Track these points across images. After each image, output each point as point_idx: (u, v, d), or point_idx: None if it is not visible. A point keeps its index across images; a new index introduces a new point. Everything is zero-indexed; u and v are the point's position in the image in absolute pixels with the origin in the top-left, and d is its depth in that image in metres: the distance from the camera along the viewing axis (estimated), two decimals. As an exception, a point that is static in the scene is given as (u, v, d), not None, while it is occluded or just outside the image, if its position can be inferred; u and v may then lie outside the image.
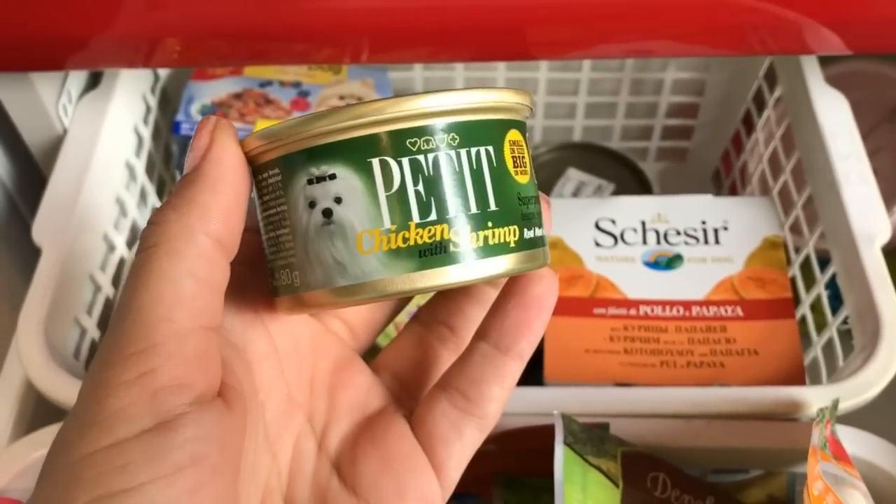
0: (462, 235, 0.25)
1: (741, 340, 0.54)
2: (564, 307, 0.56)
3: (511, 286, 0.28)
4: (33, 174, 0.63)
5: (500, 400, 0.28)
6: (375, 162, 0.24)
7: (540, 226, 0.27)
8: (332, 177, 0.24)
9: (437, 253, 0.24)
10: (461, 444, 0.28)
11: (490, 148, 0.25)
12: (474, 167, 0.25)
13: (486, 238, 0.25)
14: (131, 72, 0.62)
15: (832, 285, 0.54)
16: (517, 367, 0.28)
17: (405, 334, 0.31)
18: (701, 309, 0.56)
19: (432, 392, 0.28)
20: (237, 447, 0.24)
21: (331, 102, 0.66)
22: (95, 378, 0.23)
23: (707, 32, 0.50)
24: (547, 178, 0.74)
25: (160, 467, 0.22)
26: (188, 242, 0.24)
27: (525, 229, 0.26)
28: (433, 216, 0.24)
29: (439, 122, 0.24)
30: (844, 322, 0.52)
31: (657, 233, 0.60)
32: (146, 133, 0.64)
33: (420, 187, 0.24)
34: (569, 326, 0.55)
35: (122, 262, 0.60)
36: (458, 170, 0.25)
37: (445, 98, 0.24)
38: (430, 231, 0.24)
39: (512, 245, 0.25)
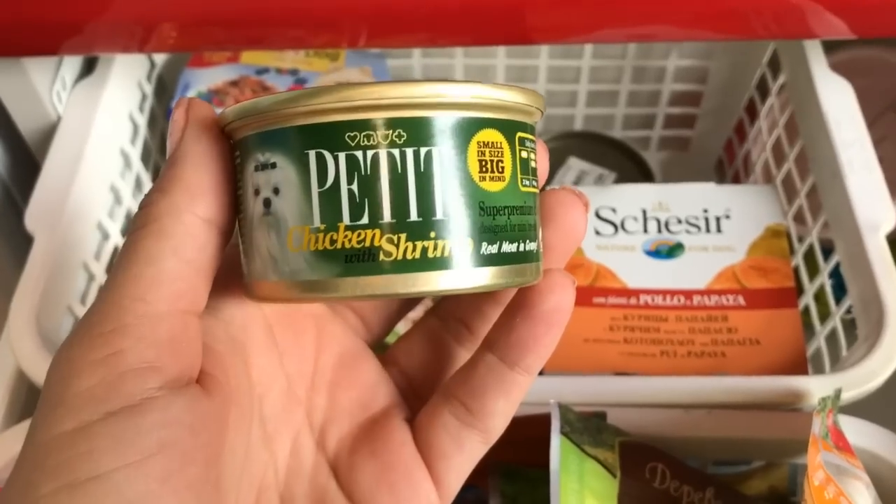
0: (395, 244, 0.22)
1: (743, 330, 0.53)
2: (564, 296, 0.56)
3: (520, 297, 0.25)
4: (27, 161, 0.62)
5: (504, 414, 0.27)
6: (312, 154, 0.22)
7: (526, 239, 0.24)
8: (273, 165, 0.23)
9: (364, 260, 0.22)
10: (461, 457, 0.27)
11: (445, 148, 0.22)
12: (421, 169, 0.22)
13: (424, 249, 0.22)
14: (127, 58, 0.62)
15: (836, 274, 0.53)
16: (525, 381, 0.26)
17: (420, 328, 0.30)
18: (702, 298, 0.55)
19: (434, 401, 0.27)
20: (214, 436, 0.23)
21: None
22: (63, 355, 0.22)
23: (710, 16, 0.50)
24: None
25: (127, 453, 0.21)
26: (174, 220, 0.23)
27: (486, 243, 0.23)
28: (364, 220, 0.22)
29: (383, 116, 0.22)
30: (848, 311, 0.52)
31: (658, 221, 0.59)
32: (142, 120, 0.64)
33: (354, 186, 0.22)
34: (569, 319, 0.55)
35: (116, 250, 0.59)
36: (399, 171, 0.22)
37: (393, 89, 0.22)
38: (359, 235, 0.22)
39: (460, 260, 0.23)
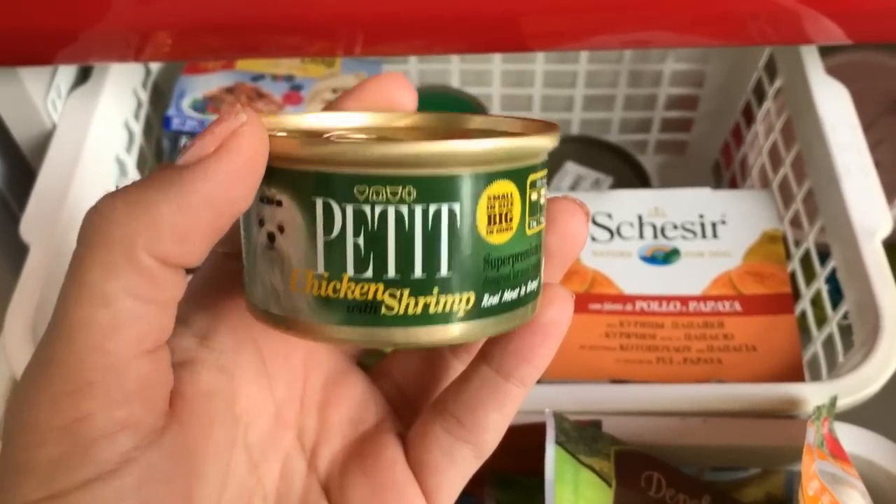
0: (398, 299, 0.22)
1: (739, 336, 0.53)
2: (560, 303, 0.56)
3: None
4: (22, 170, 0.62)
5: (497, 429, 0.26)
6: (319, 202, 0.22)
7: (528, 280, 0.24)
8: (279, 203, 0.22)
9: (366, 312, 0.22)
10: (454, 472, 0.26)
11: (455, 206, 0.22)
12: (429, 228, 0.22)
13: (426, 305, 0.22)
14: (122, 66, 0.62)
15: (832, 280, 0.53)
16: (519, 394, 0.26)
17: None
18: (698, 304, 0.55)
19: (426, 415, 0.27)
20: (190, 469, 0.23)
21: (324, 97, 0.66)
22: (25, 416, 0.20)
23: (706, 22, 0.50)
24: (544, 172, 0.73)
25: None
26: (125, 258, 0.20)
27: (488, 295, 0.23)
28: (369, 273, 0.22)
29: (394, 174, 0.21)
30: (845, 317, 0.51)
31: (654, 227, 0.59)
32: (137, 128, 0.64)
33: (360, 240, 0.22)
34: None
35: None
36: (407, 229, 0.22)
37: (407, 149, 0.21)
38: (362, 288, 0.22)
39: (460, 314, 0.23)
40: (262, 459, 0.26)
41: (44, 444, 0.20)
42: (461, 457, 0.26)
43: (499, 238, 0.23)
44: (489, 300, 0.23)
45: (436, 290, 0.22)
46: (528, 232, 0.24)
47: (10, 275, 0.59)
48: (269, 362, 0.27)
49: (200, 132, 0.21)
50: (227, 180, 0.21)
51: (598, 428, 0.42)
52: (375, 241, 0.22)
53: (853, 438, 0.44)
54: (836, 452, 0.39)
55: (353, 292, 0.22)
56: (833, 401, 0.42)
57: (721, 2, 0.48)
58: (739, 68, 0.74)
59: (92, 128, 0.57)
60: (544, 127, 0.24)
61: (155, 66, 0.69)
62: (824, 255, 0.55)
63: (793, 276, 0.58)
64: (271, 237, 0.23)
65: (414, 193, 0.22)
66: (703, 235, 0.58)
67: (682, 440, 0.43)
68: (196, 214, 0.20)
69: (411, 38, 0.51)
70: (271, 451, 0.27)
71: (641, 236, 0.59)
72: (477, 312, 0.23)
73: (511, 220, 0.23)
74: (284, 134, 0.23)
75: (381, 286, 0.22)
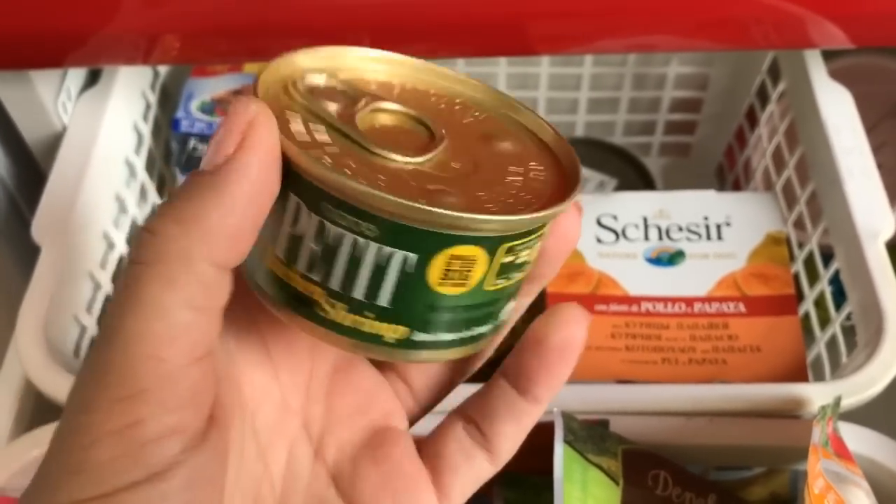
0: (334, 308, 0.23)
1: (743, 337, 0.53)
2: (566, 304, 0.56)
3: (533, 329, 0.26)
4: (32, 172, 0.63)
5: (514, 439, 0.27)
6: (293, 200, 0.23)
7: (475, 326, 0.24)
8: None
9: (307, 306, 0.23)
10: (470, 474, 0.27)
11: (412, 256, 0.22)
12: (379, 265, 0.23)
13: (358, 323, 0.23)
14: (131, 69, 0.62)
15: (836, 281, 0.54)
16: (536, 410, 0.26)
17: None
18: (703, 305, 0.55)
19: (449, 417, 0.28)
20: (224, 472, 0.23)
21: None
22: (78, 419, 0.21)
23: (709, 27, 0.50)
24: (549, 174, 0.74)
25: None
26: (185, 270, 0.21)
27: (422, 333, 0.24)
28: (315, 277, 0.23)
29: (360, 207, 0.22)
30: (848, 318, 0.52)
31: (659, 229, 0.59)
32: (146, 130, 0.64)
33: (316, 246, 0.23)
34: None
35: (121, 259, 0.59)
36: (358, 258, 0.23)
37: (378, 194, 0.21)
38: (307, 285, 0.23)
39: (390, 342, 0.24)
40: (269, 446, 0.27)
41: (96, 446, 0.20)
42: (479, 461, 0.27)
43: (449, 290, 0.23)
44: (422, 336, 0.24)
45: (371, 314, 0.23)
46: (488, 287, 0.24)
47: (21, 276, 0.59)
48: (272, 350, 0.27)
49: (216, 131, 0.22)
50: (259, 173, 0.22)
51: (605, 427, 0.42)
52: (329, 253, 0.23)
53: (857, 438, 0.44)
54: (841, 452, 0.40)
55: (298, 285, 0.23)
56: (837, 401, 0.42)
57: (725, 6, 0.48)
58: (743, 72, 0.74)
59: (102, 130, 0.57)
60: (546, 201, 0.24)
61: (163, 69, 0.70)
62: (827, 257, 0.55)
63: (796, 277, 0.59)
64: None
65: (374, 232, 0.22)
66: (708, 237, 0.59)
67: (688, 440, 0.44)
68: (242, 213, 0.21)
69: (416, 42, 0.51)
70: (277, 437, 0.27)
71: (647, 238, 0.59)
72: (407, 344, 0.24)
73: (468, 278, 0.23)
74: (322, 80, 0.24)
75: (322, 292, 0.23)
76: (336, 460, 0.27)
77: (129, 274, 0.21)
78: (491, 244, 0.23)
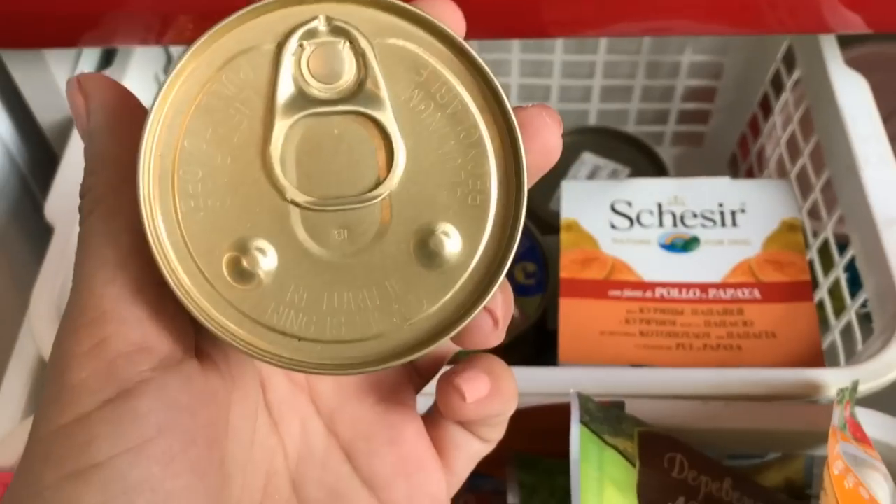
0: None
1: (759, 323, 0.53)
2: (579, 289, 0.56)
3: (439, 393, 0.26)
4: (46, 153, 0.63)
5: (502, 423, 0.28)
6: None
7: None
8: None
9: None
10: (471, 450, 0.28)
11: None
12: None
13: None
14: (144, 51, 0.62)
15: (851, 268, 0.53)
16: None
17: None
18: (718, 291, 0.55)
19: None
20: (215, 417, 0.23)
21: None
22: (56, 351, 0.22)
23: (725, 10, 0.50)
24: (561, 162, 0.72)
25: (126, 439, 0.21)
26: (116, 197, 0.23)
27: None
28: None
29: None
30: (863, 306, 0.52)
31: (674, 215, 0.59)
32: (159, 113, 0.64)
33: None
34: (584, 308, 0.55)
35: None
36: None
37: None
38: None
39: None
40: (281, 419, 0.27)
41: (69, 370, 0.21)
42: (475, 440, 0.28)
43: None
44: None
45: None
46: None
47: (34, 256, 0.59)
48: None
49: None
50: (106, 104, 0.24)
51: (621, 409, 0.42)
52: None
53: (873, 423, 0.44)
54: (859, 435, 0.39)
55: None
56: (855, 385, 0.42)
57: (741, -10, 0.48)
58: (757, 60, 0.74)
59: (115, 112, 0.57)
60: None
61: (176, 52, 0.70)
62: (842, 246, 0.55)
63: (811, 265, 0.58)
64: None
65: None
66: (723, 224, 0.58)
67: (704, 423, 0.44)
68: (126, 135, 0.23)
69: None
70: (289, 412, 0.27)
71: (661, 224, 0.59)
72: None
73: None
74: None
75: None
76: (350, 438, 0.27)
77: (80, 231, 0.23)
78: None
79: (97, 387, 0.21)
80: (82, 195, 0.23)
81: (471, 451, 0.28)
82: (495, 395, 0.26)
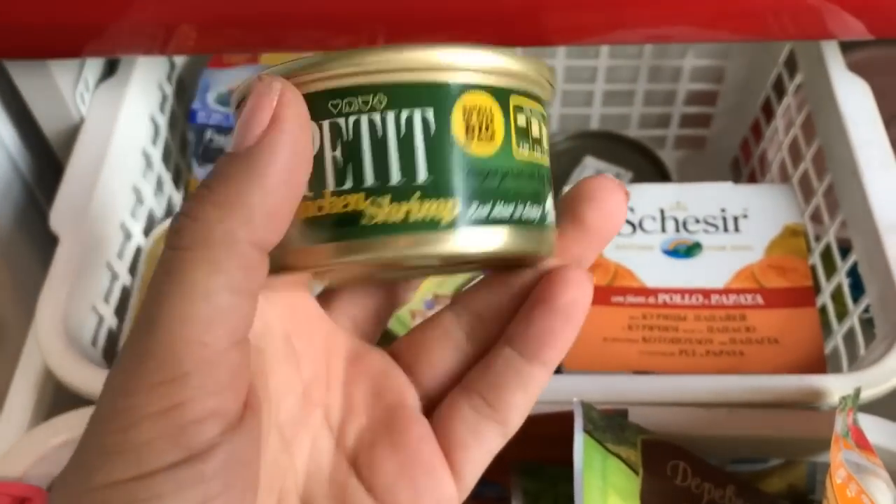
0: (379, 206, 0.22)
1: (761, 329, 0.53)
2: (582, 295, 0.56)
3: (539, 290, 0.26)
4: (50, 162, 0.63)
5: (522, 408, 0.27)
6: None
7: (526, 203, 0.24)
8: None
9: (349, 224, 0.22)
10: (480, 450, 0.27)
11: (429, 112, 0.22)
12: (402, 133, 0.22)
13: (408, 212, 0.22)
14: (148, 60, 0.62)
15: (853, 274, 0.54)
16: (543, 375, 0.26)
17: (433, 322, 0.29)
18: (720, 297, 0.55)
19: (454, 394, 0.27)
20: (258, 460, 0.23)
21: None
22: (118, 402, 0.21)
23: (726, 17, 0.50)
24: (564, 167, 0.74)
25: (190, 499, 0.20)
26: (229, 252, 0.21)
27: (476, 204, 0.23)
28: (348, 184, 0.22)
29: (362, 83, 0.22)
30: (866, 311, 0.52)
31: (676, 221, 0.59)
32: (162, 121, 0.64)
33: (338, 153, 0.22)
34: (587, 315, 0.55)
35: (138, 250, 0.60)
36: (380, 136, 0.22)
37: (372, 56, 0.22)
38: (344, 200, 0.22)
39: (446, 221, 0.23)
40: (293, 438, 0.27)
41: (136, 428, 0.21)
42: (488, 434, 0.27)
43: (480, 149, 0.23)
44: (476, 210, 0.23)
45: (416, 195, 0.22)
46: (518, 155, 0.24)
47: (39, 266, 0.59)
48: (295, 343, 0.27)
49: (244, 112, 0.22)
50: (293, 148, 0.22)
51: (624, 417, 0.42)
52: (352, 151, 0.22)
53: (876, 429, 0.44)
54: (861, 443, 0.39)
55: (335, 207, 0.23)
56: (857, 392, 0.42)
57: (743, -4, 0.48)
58: (759, 64, 0.74)
59: (119, 121, 0.58)
60: (526, 60, 0.24)
61: (180, 61, 0.70)
62: (845, 250, 0.55)
63: (813, 270, 0.58)
64: None
65: (385, 101, 0.22)
66: (725, 229, 0.58)
67: (707, 430, 0.44)
68: (280, 190, 0.22)
69: (433, 33, 0.51)
70: (301, 429, 0.27)
71: (663, 230, 0.59)
72: (464, 220, 0.23)
73: (493, 134, 0.23)
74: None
75: (361, 196, 0.22)
76: (355, 448, 0.27)
77: (170, 259, 0.21)
78: (499, 95, 0.23)
79: (165, 449, 0.21)
80: (187, 215, 0.21)
81: (479, 449, 0.27)
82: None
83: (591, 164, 0.74)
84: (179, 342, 0.21)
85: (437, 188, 0.22)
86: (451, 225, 0.23)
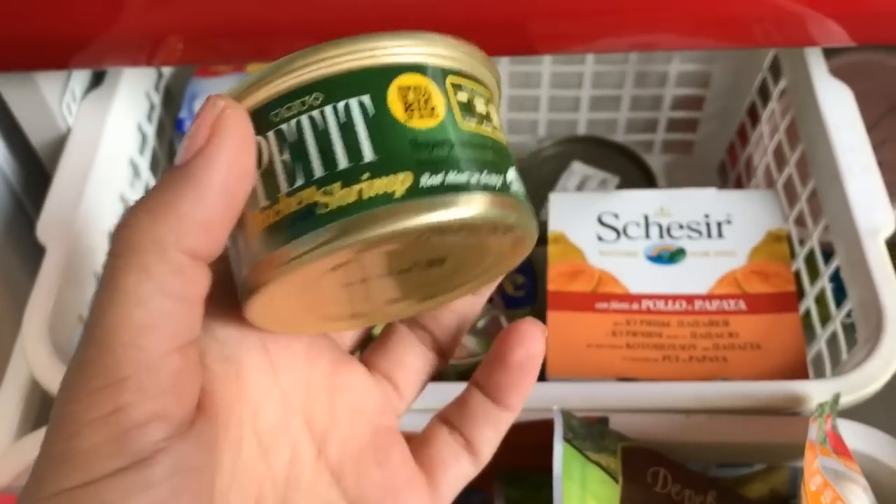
0: (332, 195, 0.22)
1: (744, 334, 0.54)
2: (566, 302, 0.56)
3: (495, 348, 0.28)
4: (37, 172, 0.63)
5: (493, 442, 0.29)
6: None
7: (482, 171, 0.24)
8: None
9: (304, 218, 0.22)
10: (458, 473, 0.29)
11: (364, 98, 0.23)
12: (342, 121, 0.23)
13: (360, 192, 0.22)
14: (135, 70, 0.63)
15: (836, 278, 0.54)
16: (511, 414, 0.29)
17: (389, 333, 0.31)
18: (704, 303, 0.56)
19: (434, 421, 0.29)
20: (215, 463, 0.24)
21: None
22: (63, 410, 0.21)
23: (711, 25, 0.50)
24: (551, 172, 0.74)
25: None
26: (158, 259, 0.21)
27: (427, 174, 0.23)
28: (300, 181, 0.23)
29: (297, 85, 0.23)
30: (848, 315, 0.52)
31: (660, 227, 0.60)
32: (150, 131, 0.65)
33: (286, 156, 0.23)
34: (571, 321, 0.55)
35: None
36: (322, 128, 0.23)
37: (302, 59, 0.23)
38: (297, 198, 0.23)
39: (399, 195, 0.22)
40: (272, 446, 0.27)
41: (80, 435, 0.21)
42: (463, 462, 0.29)
43: (422, 123, 0.23)
44: (429, 180, 0.23)
45: (365, 175, 0.23)
46: (464, 126, 0.24)
47: (26, 276, 0.60)
48: (272, 351, 0.28)
49: (190, 129, 0.22)
50: (228, 161, 0.22)
51: (605, 425, 0.43)
52: (298, 150, 0.23)
53: (856, 435, 0.44)
54: (839, 449, 0.40)
55: (289, 206, 0.23)
56: (836, 398, 0.42)
57: (726, 5, 0.48)
58: (745, 69, 0.74)
59: (106, 130, 0.58)
60: (470, 47, 0.25)
61: (167, 70, 0.70)
62: (828, 254, 0.55)
63: (797, 274, 0.59)
64: None
65: (321, 97, 0.23)
66: (709, 235, 0.59)
67: (687, 437, 0.44)
68: (213, 201, 0.22)
69: (419, 41, 0.51)
70: (280, 437, 0.27)
71: (647, 236, 0.59)
72: (418, 192, 0.23)
73: (433, 108, 0.24)
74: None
75: (312, 189, 0.23)
76: (339, 460, 0.28)
77: (107, 267, 0.22)
78: (433, 74, 0.24)
79: (109, 454, 0.21)
80: (121, 223, 0.22)
81: (457, 471, 0.29)
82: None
83: (578, 169, 0.74)
84: (117, 347, 0.21)
85: (385, 165, 0.23)
86: (406, 196, 0.23)
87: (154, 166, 0.66)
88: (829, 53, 0.61)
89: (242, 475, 0.26)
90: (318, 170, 0.23)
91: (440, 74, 0.24)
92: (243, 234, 0.24)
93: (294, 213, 0.23)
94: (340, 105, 0.23)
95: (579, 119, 0.79)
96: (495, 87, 0.27)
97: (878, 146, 0.56)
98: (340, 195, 0.22)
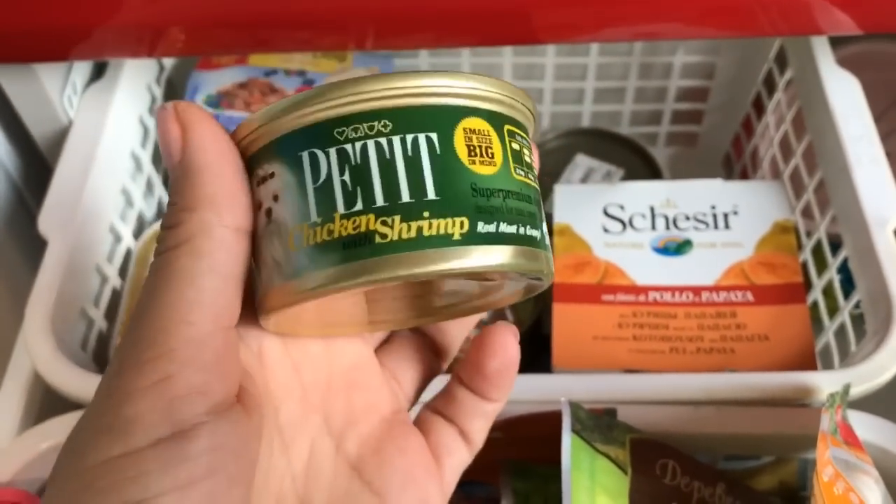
0: (390, 226, 0.23)
1: (752, 326, 0.53)
2: (572, 294, 0.56)
3: (470, 357, 0.28)
4: (39, 165, 0.63)
5: (484, 430, 0.30)
6: (305, 155, 0.23)
7: (527, 225, 0.25)
8: (272, 175, 0.24)
9: (361, 244, 0.23)
10: (460, 458, 0.30)
11: (432, 135, 0.23)
12: (409, 154, 0.23)
13: (419, 228, 0.23)
14: (136, 62, 0.62)
15: (844, 269, 0.53)
16: (497, 406, 0.30)
17: (394, 335, 0.31)
18: (711, 294, 0.55)
19: (428, 412, 0.30)
20: (253, 455, 0.24)
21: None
22: (111, 382, 0.22)
23: (716, 14, 0.50)
24: (555, 165, 0.74)
25: (175, 478, 0.21)
26: (206, 237, 0.23)
27: (482, 222, 0.23)
28: (358, 206, 0.23)
29: (367, 110, 0.23)
30: (857, 306, 0.52)
31: (666, 218, 0.59)
32: (151, 123, 0.64)
33: (346, 177, 0.23)
34: (577, 313, 0.55)
35: (128, 252, 0.60)
36: (388, 157, 0.23)
37: (374, 84, 0.23)
38: (354, 222, 0.23)
39: (456, 237, 0.23)
40: (292, 441, 0.27)
41: (126, 403, 0.22)
42: (462, 448, 0.30)
43: (483, 169, 0.24)
44: (484, 227, 0.24)
45: (426, 213, 0.23)
46: (516, 176, 0.25)
47: (28, 269, 0.59)
48: (291, 348, 0.28)
49: (160, 136, 0.24)
50: (212, 137, 0.24)
51: (612, 416, 0.42)
52: (360, 174, 0.23)
53: (866, 426, 0.44)
54: (850, 440, 0.39)
55: (346, 229, 0.23)
56: (846, 388, 0.42)
57: (732, -7, 0.48)
58: (750, 60, 0.74)
59: (107, 123, 0.58)
60: (512, 87, 0.25)
61: (168, 62, 0.70)
62: (836, 246, 0.55)
63: (804, 266, 0.58)
64: (269, 213, 0.24)
65: (390, 126, 0.23)
66: (716, 226, 0.58)
67: (695, 429, 0.44)
68: (227, 174, 0.24)
69: (422, 32, 0.51)
70: (300, 432, 0.28)
71: (654, 227, 0.59)
72: (474, 237, 0.23)
73: (493, 156, 0.24)
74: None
75: (371, 216, 0.23)
76: (359, 453, 0.28)
77: (158, 260, 0.23)
78: (493, 119, 0.24)
79: (153, 423, 0.22)
80: (167, 226, 0.23)
81: (459, 457, 0.30)
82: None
83: (582, 161, 0.74)
84: (168, 322, 0.22)
85: (446, 206, 0.23)
86: (461, 241, 0.23)
87: (156, 159, 0.65)
88: (835, 43, 0.60)
89: (268, 470, 0.27)
90: (379, 198, 0.23)
91: (500, 121, 0.25)
92: (282, 241, 0.24)
93: (350, 237, 0.23)
94: (409, 138, 0.23)
95: (583, 111, 0.78)
96: (534, 131, 0.28)
97: (885, 137, 0.56)
98: (400, 228, 0.23)
